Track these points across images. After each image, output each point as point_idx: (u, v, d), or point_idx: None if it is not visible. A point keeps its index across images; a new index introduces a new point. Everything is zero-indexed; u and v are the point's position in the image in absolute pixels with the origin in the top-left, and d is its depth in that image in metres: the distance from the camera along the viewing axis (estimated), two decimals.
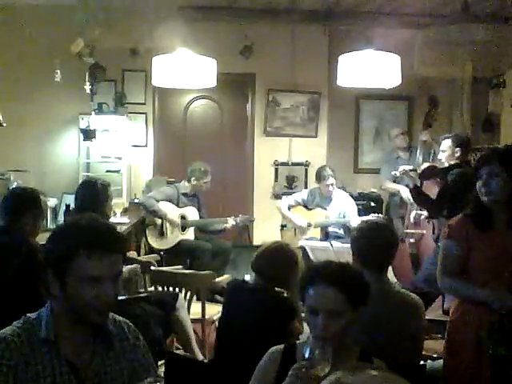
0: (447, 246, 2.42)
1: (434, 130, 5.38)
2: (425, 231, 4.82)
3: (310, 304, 1.82)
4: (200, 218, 5.57)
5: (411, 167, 4.67)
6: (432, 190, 4.53)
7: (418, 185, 4.50)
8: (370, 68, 4.49)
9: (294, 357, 1.82)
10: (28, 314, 1.58)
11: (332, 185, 5.48)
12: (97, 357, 1.59)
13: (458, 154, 4.42)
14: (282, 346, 1.87)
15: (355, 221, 5.23)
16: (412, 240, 4.88)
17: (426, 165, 4.65)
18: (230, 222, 5.46)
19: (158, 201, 5.36)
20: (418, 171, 4.65)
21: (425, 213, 4.67)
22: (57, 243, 1.57)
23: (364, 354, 1.83)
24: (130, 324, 1.73)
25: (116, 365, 1.62)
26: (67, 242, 1.53)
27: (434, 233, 4.67)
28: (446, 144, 4.49)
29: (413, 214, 4.85)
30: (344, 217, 5.45)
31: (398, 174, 4.62)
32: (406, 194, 5.15)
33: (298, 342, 1.91)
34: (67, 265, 1.51)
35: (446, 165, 4.44)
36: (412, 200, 4.72)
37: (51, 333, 1.53)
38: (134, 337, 1.70)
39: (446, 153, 4.48)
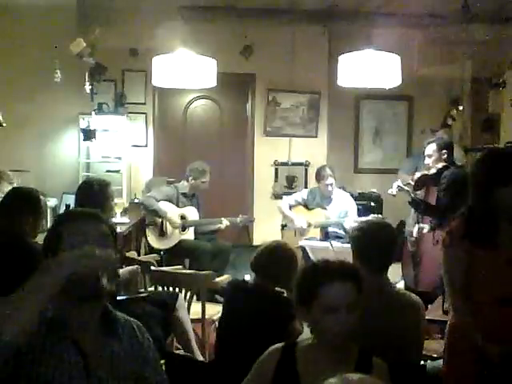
0: (451, 255, 2.31)
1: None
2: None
3: (327, 303, 1.77)
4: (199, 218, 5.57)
5: (401, 181, 4.66)
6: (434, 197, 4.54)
7: (415, 197, 4.50)
8: (370, 68, 4.48)
9: (294, 355, 1.81)
10: None
11: (331, 185, 5.48)
12: (107, 347, 1.59)
13: (444, 156, 4.45)
14: (282, 344, 1.86)
15: (349, 221, 5.25)
16: (413, 238, 4.87)
17: (417, 175, 4.65)
18: (225, 222, 5.46)
19: (158, 200, 5.35)
20: (411, 183, 4.65)
21: (426, 226, 4.65)
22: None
23: (363, 353, 1.82)
24: (140, 324, 1.74)
25: (124, 359, 1.62)
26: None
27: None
28: (431, 148, 4.51)
29: (415, 228, 4.81)
30: (344, 217, 5.45)
31: (394, 192, 4.64)
32: None
33: (299, 340, 1.90)
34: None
35: (434, 170, 4.46)
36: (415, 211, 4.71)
37: (58, 312, 1.53)
38: (143, 336, 1.71)
39: (432, 157, 4.50)
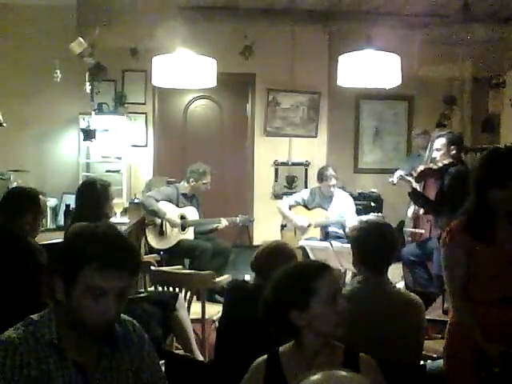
0: (451, 253, 2.30)
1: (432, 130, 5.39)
2: (423, 230, 4.83)
3: (326, 294, 1.75)
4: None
5: (405, 171, 4.67)
6: (433, 191, 4.54)
7: (416, 188, 4.50)
8: (370, 68, 4.48)
9: (279, 366, 1.78)
10: (31, 316, 1.56)
11: (334, 185, 5.51)
12: (103, 358, 1.59)
13: (453, 152, 4.40)
14: (265, 357, 1.82)
15: (351, 220, 5.25)
16: (410, 239, 4.89)
17: (421, 167, 4.65)
18: (223, 222, 5.46)
19: (157, 200, 5.36)
20: (414, 174, 4.64)
21: (421, 210, 4.66)
22: (70, 249, 1.54)
23: (349, 352, 1.80)
24: (135, 323, 1.73)
25: (122, 365, 1.62)
26: (81, 250, 1.50)
27: (430, 231, 4.68)
28: (440, 142, 4.47)
29: (410, 210, 4.84)
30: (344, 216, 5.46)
31: (394, 181, 4.61)
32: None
33: (280, 349, 1.83)
34: (76, 272, 1.49)
35: (440, 164, 4.44)
36: (412, 202, 4.73)
37: (55, 335, 1.52)
38: (139, 336, 1.70)
39: (440, 151, 4.46)
